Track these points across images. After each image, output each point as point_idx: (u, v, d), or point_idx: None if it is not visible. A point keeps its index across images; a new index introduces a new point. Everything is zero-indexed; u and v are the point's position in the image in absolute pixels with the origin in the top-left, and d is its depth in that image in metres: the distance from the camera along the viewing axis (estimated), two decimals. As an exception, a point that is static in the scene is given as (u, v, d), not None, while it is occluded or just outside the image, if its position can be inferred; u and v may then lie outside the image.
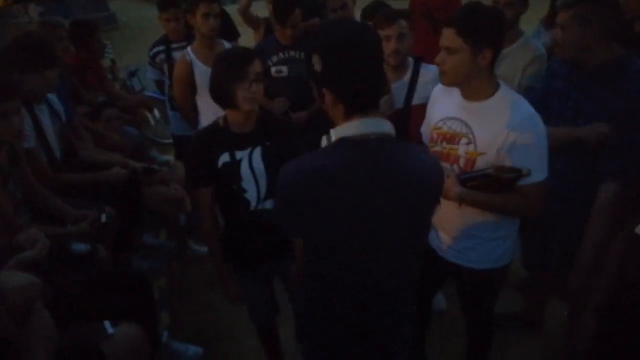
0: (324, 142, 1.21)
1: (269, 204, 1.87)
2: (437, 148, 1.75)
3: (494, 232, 1.76)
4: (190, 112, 3.07)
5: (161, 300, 2.43)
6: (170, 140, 4.04)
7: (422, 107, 2.01)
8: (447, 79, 1.66)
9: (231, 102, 1.77)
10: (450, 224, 1.80)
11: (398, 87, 2.31)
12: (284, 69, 2.92)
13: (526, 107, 1.61)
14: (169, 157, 4.09)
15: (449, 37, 1.58)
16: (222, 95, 1.78)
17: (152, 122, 4.58)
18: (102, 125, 3.21)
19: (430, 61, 2.01)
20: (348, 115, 1.17)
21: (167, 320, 2.49)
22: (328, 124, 1.22)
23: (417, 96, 2.31)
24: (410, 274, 1.31)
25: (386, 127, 1.18)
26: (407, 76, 2.32)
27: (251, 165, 1.84)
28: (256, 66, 1.76)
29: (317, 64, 1.15)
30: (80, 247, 2.03)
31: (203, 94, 2.90)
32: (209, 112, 2.99)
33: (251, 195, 1.85)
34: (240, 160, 1.83)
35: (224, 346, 2.57)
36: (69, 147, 2.55)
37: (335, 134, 1.18)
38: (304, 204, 1.15)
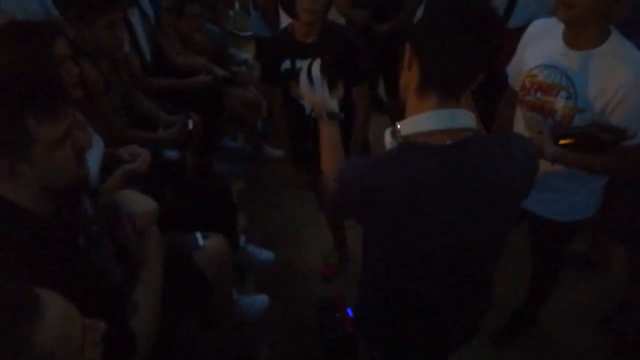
0: (387, 137, 1.05)
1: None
2: (530, 98, 1.62)
3: (584, 185, 1.66)
4: (271, 14, 3.03)
5: (239, 204, 2.56)
6: (249, 33, 4.06)
7: (519, 32, 1.75)
8: (573, 13, 1.39)
9: (293, 11, 1.86)
10: None
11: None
12: None
13: None
14: (248, 56, 4.10)
15: None
16: (286, 2, 1.88)
17: (232, 14, 4.54)
18: (184, 23, 3.22)
19: None
20: (420, 92, 0.99)
21: (244, 222, 2.69)
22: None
23: (516, 16, 2.09)
24: (496, 258, 1.19)
25: (467, 120, 0.99)
26: None
27: (309, 75, 1.92)
28: None
29: (420, 10, 0.97)
30: (172, 153, 2.18)
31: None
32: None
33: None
34: (299, 69, 1.94)
35: (289, 248, 2.75)
36: (158, 51, 2.63)
37: (402, 129, 1.01)
38: (367, 210, 1.03)
